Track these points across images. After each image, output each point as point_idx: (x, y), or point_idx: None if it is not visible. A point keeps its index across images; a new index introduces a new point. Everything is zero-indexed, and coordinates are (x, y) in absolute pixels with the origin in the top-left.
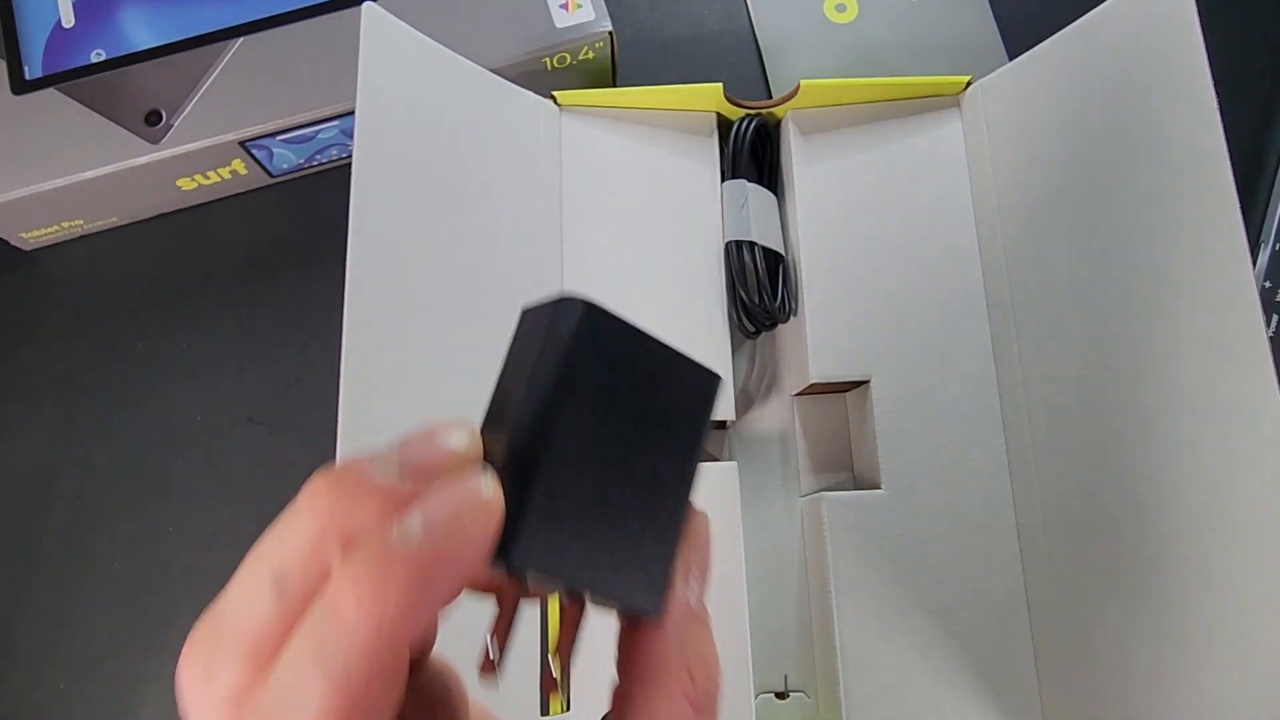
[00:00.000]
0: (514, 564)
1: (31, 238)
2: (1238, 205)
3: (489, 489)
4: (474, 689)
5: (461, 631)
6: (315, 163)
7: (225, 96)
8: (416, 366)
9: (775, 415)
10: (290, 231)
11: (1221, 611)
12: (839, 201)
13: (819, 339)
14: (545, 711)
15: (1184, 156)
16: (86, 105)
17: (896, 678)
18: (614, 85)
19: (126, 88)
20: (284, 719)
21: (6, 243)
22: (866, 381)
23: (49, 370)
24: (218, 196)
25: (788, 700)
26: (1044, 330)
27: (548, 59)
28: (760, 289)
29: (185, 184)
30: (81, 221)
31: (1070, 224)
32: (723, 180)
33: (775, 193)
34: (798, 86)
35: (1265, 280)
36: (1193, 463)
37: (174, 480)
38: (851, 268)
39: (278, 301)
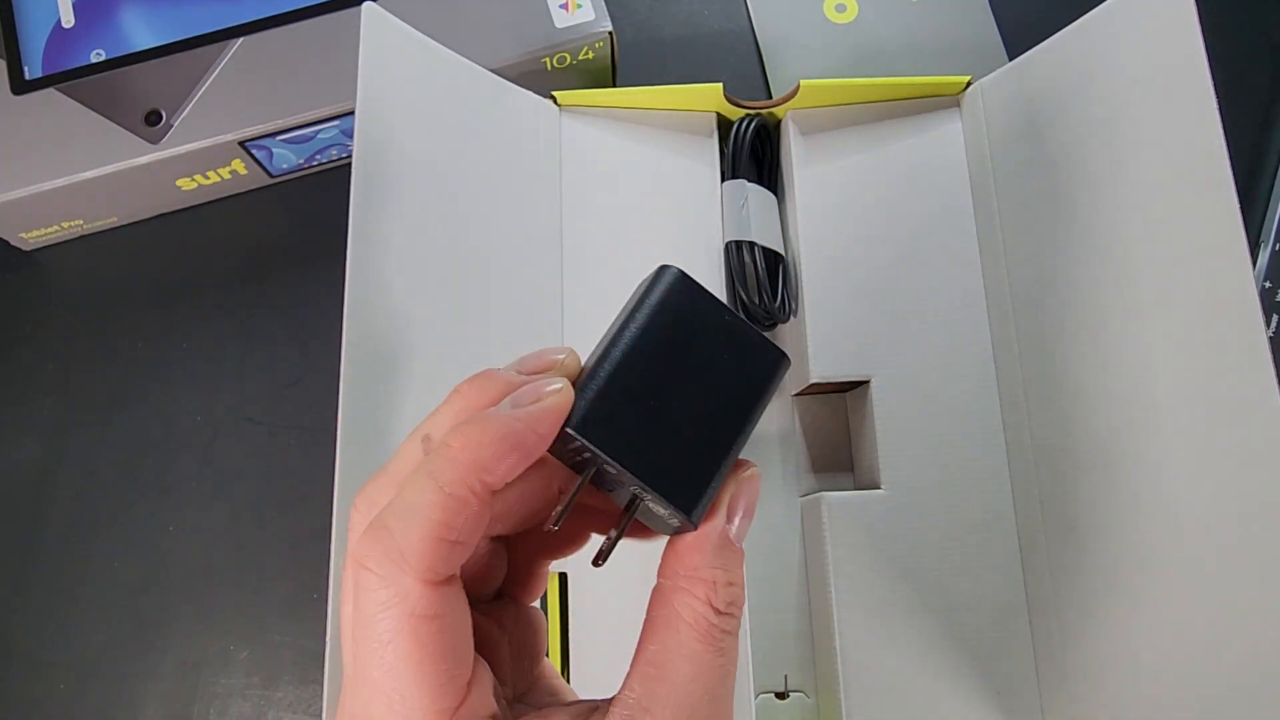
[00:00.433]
0: (572, 429)
1: (31, 238)
2: (1238, 205)
3: (561, 382)
4: None
5: None
6: (315, 163)
7: (225, 96)
8: (416, 366)
9: (775, 415)
10: (290, 231)
11: (1222, 612)
12: (839, 201)
13: (819, 339)
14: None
15: (1184, 156)
16: (86, 105)
17: (896, 678)
18: (614, 85)
19: (126, 88)
20: (403, 513)
21: (6, 243)
22: (866, 381)
23: (49, 370)
24: (217, 196)
25: (788, 700)
26: (1044, 330)
27: (548, 59)
28: (760, 289)
29: (185, 184)
30: (81, 221)
31: (1070, 224)
32: (723, 180)
33: (775, 193)
34: (798, 86)
35: (1265, 280)
36: (1192, 463)
37: (174, 480)
38: (851, 268)
39: (278, 301)
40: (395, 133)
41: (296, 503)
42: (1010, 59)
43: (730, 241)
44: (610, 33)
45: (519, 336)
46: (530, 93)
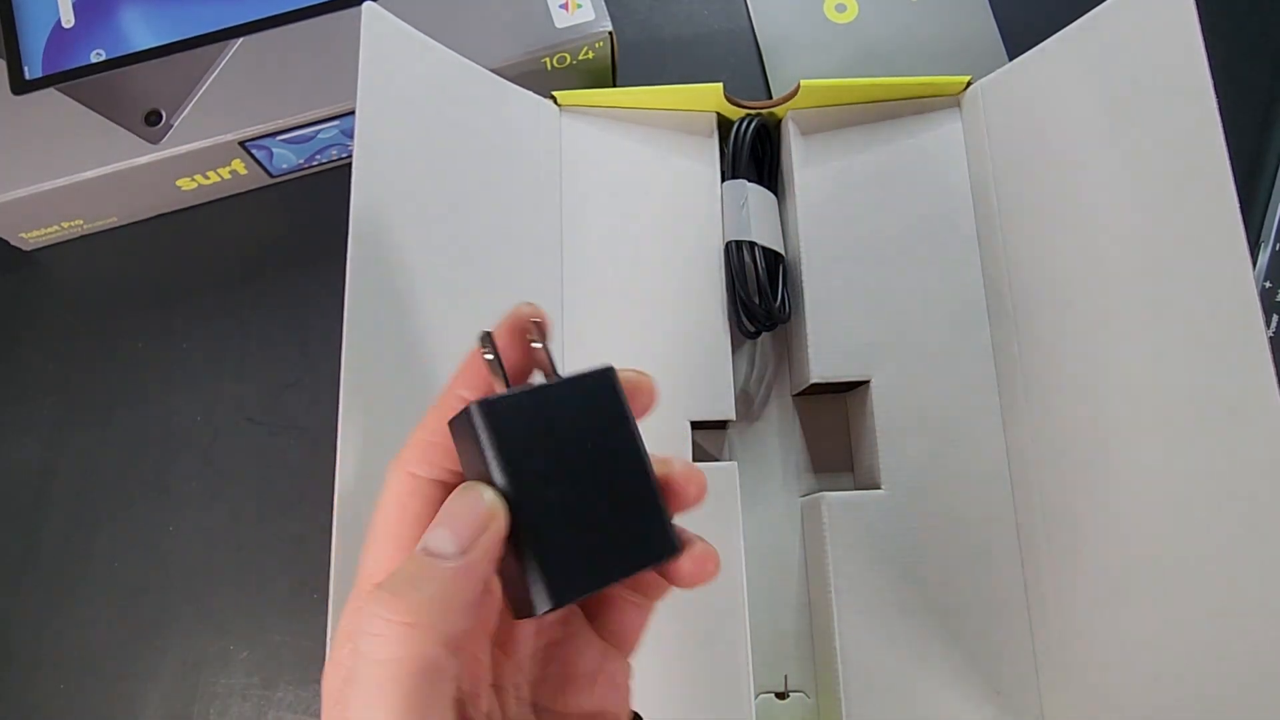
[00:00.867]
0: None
1: (31, 238)
2: (1238, 205)
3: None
4: None
5: None
6: (315, 163)
7: (225, 96)
8: (416, 366)
9: (775, 415)
10: (290, 231)
11: (1221, 612)
12: (839, 201)
13: (819, 339)
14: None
15: (1184, 156)
16: (86, 105)
17: (896, 678)
18: (614, 85)
19: (126, 88)
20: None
21: (6, 243)
22: (866, 381)
23: (49, 370)
24: (217, 196)
25: (788, 700)
26: (1044, 330)
27: (548, 59)
28: (760, 289)
29: (185, 184)
30: (81, 221)
31: (1070, 224)
32: (723, 180)
33: (775, 193)
34: (798, 86)
35: (1265, 280)
36: (1192, 463)
37: (174, 480)
38: (851, 268)
39: (278, 301)
40: (395, 132)
41: (296, 503)
42: (1010, 59)
43: (730, 241)
44: (610, 33)
45: None
46: (530, 93)
